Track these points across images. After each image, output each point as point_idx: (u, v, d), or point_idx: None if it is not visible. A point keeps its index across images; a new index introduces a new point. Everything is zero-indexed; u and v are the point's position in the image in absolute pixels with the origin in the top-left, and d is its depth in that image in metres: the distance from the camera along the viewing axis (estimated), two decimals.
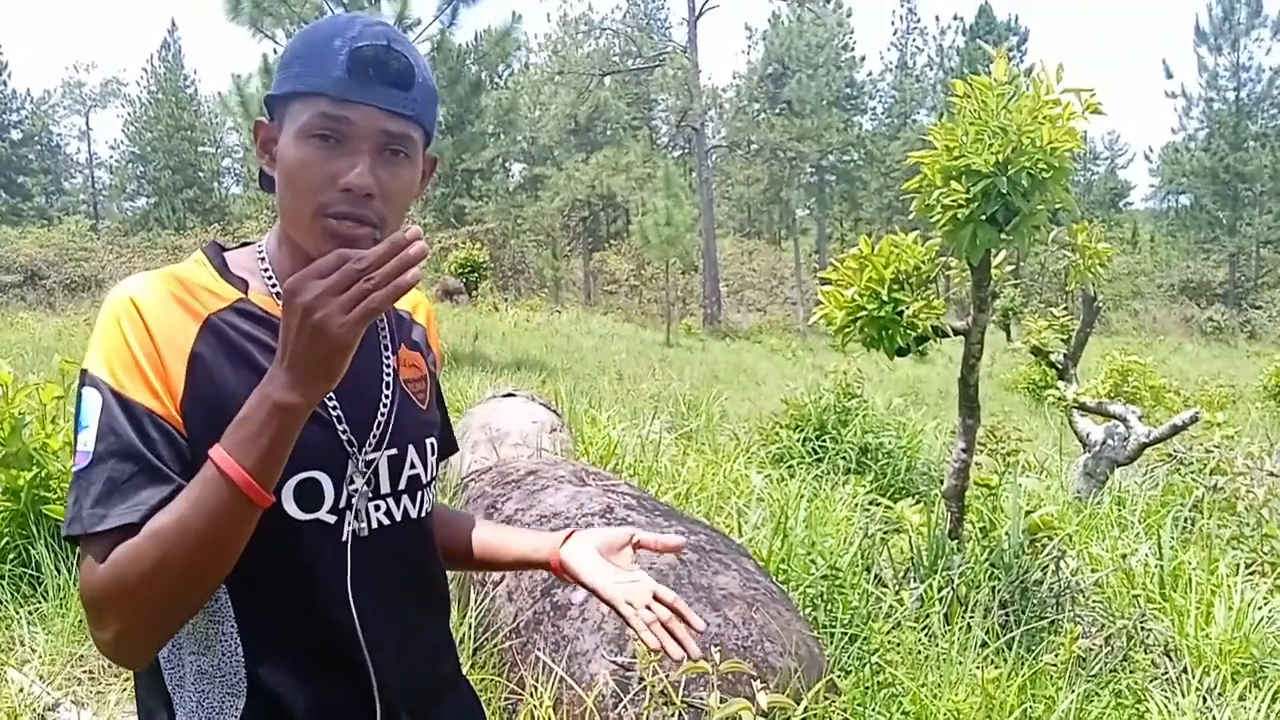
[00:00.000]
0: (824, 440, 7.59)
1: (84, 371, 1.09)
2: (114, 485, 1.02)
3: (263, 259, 1.21)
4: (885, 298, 4.09)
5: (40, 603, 3.91)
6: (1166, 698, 3.39)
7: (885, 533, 4.83)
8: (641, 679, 2.65)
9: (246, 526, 1.01)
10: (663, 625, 1.28)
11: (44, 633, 3.72)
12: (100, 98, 56.93)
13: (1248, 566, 4.69)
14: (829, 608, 3.89)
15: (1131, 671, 3.62)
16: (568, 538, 1.42)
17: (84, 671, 3.52)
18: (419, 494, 1.27)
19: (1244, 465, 5.98)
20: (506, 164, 47.22)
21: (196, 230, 40.83)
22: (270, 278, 1.19)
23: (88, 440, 1.05)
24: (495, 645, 3.09)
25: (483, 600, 3.27)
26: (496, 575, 3.31)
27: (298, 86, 1.11)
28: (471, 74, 16.41)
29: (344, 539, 1.17)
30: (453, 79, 15.75)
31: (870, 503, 5.76)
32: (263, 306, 1.16)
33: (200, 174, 50.34)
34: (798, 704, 2.68)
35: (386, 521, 1.21)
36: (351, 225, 1.09)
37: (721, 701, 2.48)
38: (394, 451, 1.22)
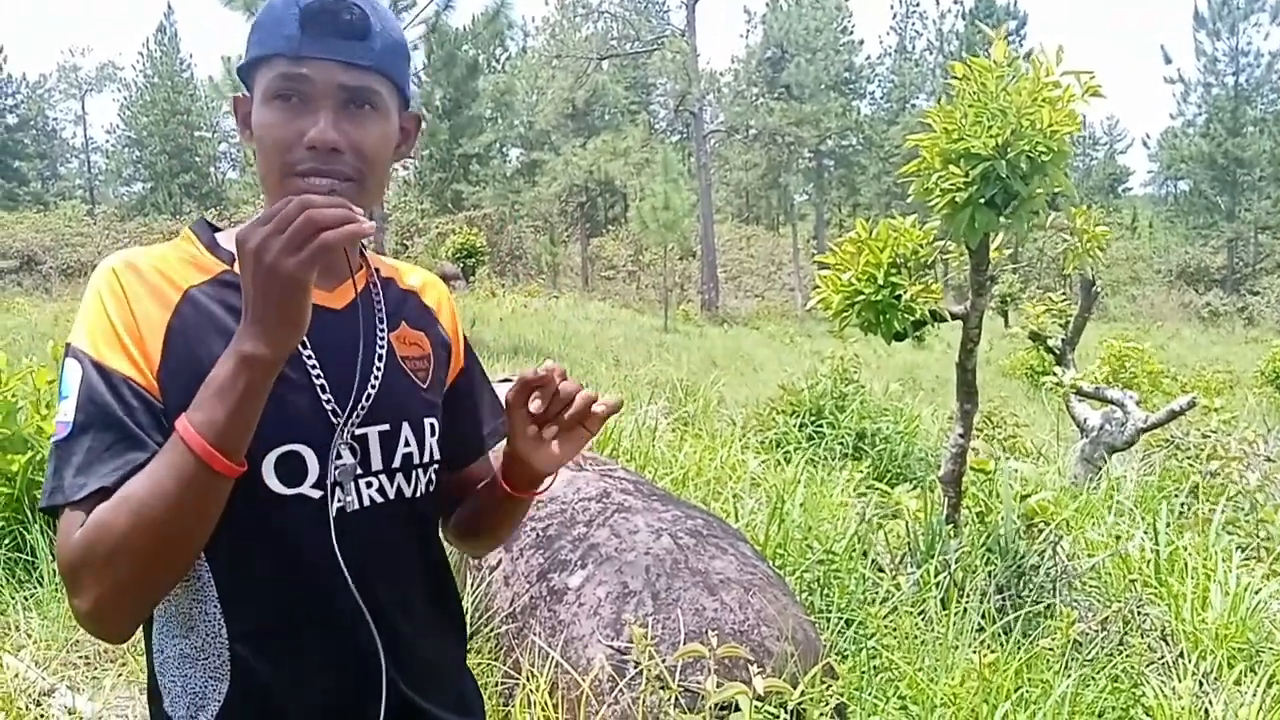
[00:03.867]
0: (821, 426, 7.58)
1: (68, 345, 1.09)
2: (95, 454, 1.02)
3: None
4: (883, 282, 4.07)
5: (36, 588, 3.91)
6: (1163, 682, 3.39)
7: (882, 518, 4.82)
8: (637, 663, 2.65)
9: (218, 493, 1.00)
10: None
11: (39, 618, 3.71)
12: (96, 82, 56.75)
13: (1243, 551, 4.69)
14: (825, 592, 3.89)
15: (1128, 656, 3.62)
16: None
17: (80, 656, 3.52)
18: (413, 473, 1.23)
19: (1240, 450, 5.99)
20: (504, 149, 47.06)
21: (193, 215, 40.60)
22: None
23: (68, 410, 1.04)
24: (491, 630, 3.09)
25: (479, 585, 3.27)
26: (492, 560, 3.31)
27: (258, 52, 1.11)
28: (468, 57, 16.32)
29: (331, 515, 1.13)
30: (448, 62, 15.67)
31: (867, 487, 5.76)
32: None
33: (197, 158, 50.14)
34: (794, 688, 2.67)
35: (379, 499, 1.19)
36: (320, 183, 1.08)
37: (718, 686, 2.47)
38: (386, 427, 1.19)
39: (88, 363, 1.05)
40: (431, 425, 1.26)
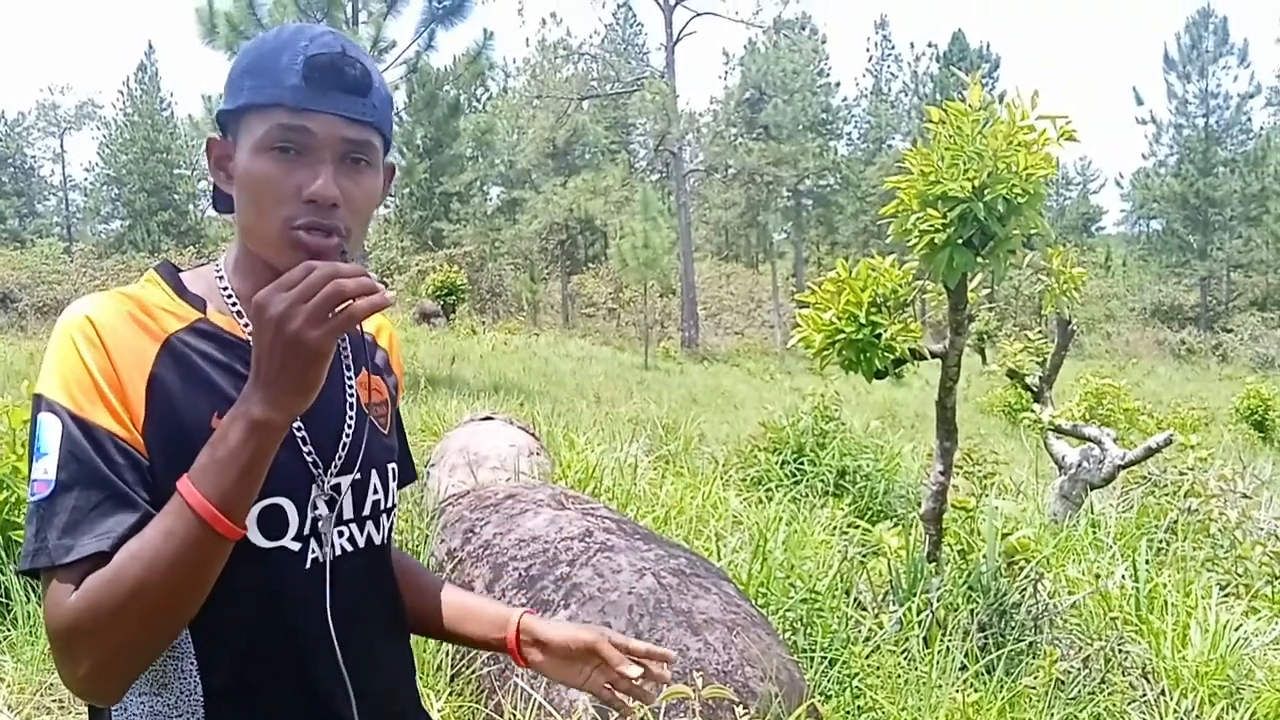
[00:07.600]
0: (802, 463, 7.59)
1: (39, 396, 1.04)
2: (80, 514, 0.99)
3: (221, 278, 1.18)
4: (863, 321, 4.11)
5: (9, 630, 3.85)
6: None
7: (864, 556, 4.83)
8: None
9: (219, 557, 0.99)
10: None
11: (13, 661, 3.65)
12: (75, 120, 56.53)
13: (1222, 588, 4.72)
14: (808, 631, 3.88)
15: (1110, 694, 3.63)
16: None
17: (54, 700, 3.46)
18: (380, 519, 1.24)
19: (1217, 487, 6.04)
20: (484, 187, 47.22)
21: (171, 253, 40.49)
22: (230, 297, 1.16)
23: (48, 468, 1.00)
24: (473, 672, 3.06)
25: None
26: None
27: (252, 99, 1.08)
28: (449, 97, 16.40)
29: (307, 566, 1.13)
30: (430, 102, 15.74)
31: (848, 525, 5.76)
32: (222, 327, 1.14)
33: (175, 196, 49.98)
34: None
35: (349, 548, 1.19)
36: (319, 236, 1.07)
37: None
38: (357, 476, 1.19)
39: (66, 416, 1.01)
40: (393, 470, 1.28)
